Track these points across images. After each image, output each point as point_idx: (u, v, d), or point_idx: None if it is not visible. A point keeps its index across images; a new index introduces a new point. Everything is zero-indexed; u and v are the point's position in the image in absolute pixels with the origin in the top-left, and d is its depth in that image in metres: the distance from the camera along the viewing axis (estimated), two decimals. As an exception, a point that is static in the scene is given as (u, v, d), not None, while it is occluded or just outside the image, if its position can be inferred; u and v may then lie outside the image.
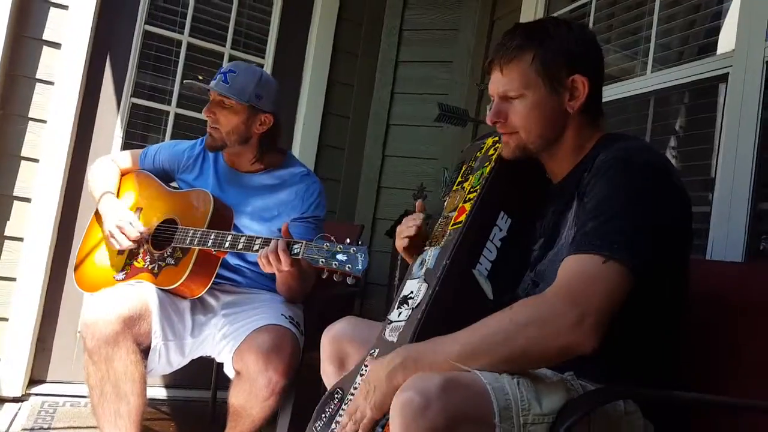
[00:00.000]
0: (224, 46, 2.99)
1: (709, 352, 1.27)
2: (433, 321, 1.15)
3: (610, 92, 2.13)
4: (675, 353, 1.16)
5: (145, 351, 1.68)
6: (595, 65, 1.22)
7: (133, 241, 1.82)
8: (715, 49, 1.94)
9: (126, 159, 2.09)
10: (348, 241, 1.52)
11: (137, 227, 1.83)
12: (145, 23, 2.80)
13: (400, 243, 1.39)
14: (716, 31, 1.97)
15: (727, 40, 1.91)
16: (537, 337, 0.95)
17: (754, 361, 1.21)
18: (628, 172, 1.06)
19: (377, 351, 1.23)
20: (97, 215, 1.97)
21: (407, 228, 1.37)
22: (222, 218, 1.82)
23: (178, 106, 2.90)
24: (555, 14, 2.57)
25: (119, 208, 1.89)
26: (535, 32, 1.20)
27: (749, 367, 1.22)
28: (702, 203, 1.79)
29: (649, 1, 2.18)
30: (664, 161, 1.14)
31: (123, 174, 2.06)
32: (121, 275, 1.84)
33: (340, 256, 1.50)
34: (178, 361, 1.76)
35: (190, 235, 1.76)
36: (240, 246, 1.68)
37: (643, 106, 2.14)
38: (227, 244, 1.69)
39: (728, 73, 1.76)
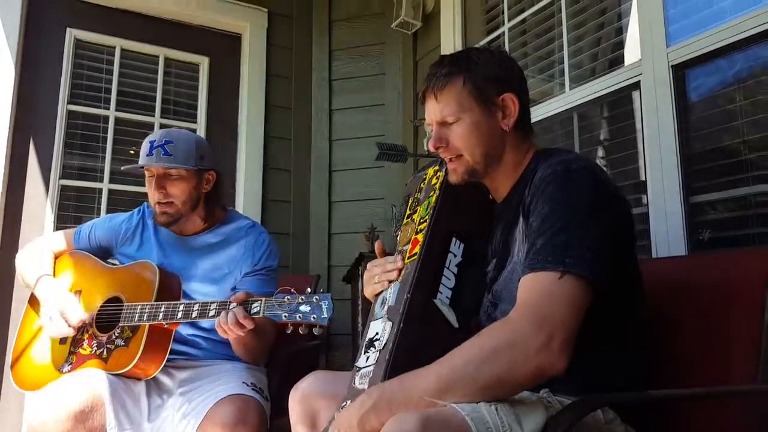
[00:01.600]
0: (153, 116, 2.96)
1: (669, 346, 1.29)
2: (402, 359, 1.12)
3: (536, 113, 2.23)
4: (641, 354, 1.17)
5: (100, 445, 1.56)
6: (521, 84, 1.27)
7: (76, 326, 1.72)
8: (623, 62, 2.06)
9: (59, 241, 1.98)
10: (309, 290, 1.49)
11: (78, 312, 1.73)
12: (68, 103, 2.75)
13: (373, 289, 1.33)
14: (621, 45, 2.10)
15: (631, 51, 2.03)
16: (508, 364, 0.94)
17: (711, 347, 1.25)
18: (567, 184, 1.09)
19: (348, 403, 1.19)
20: (33, 304, 1.86)
21: (387, 273, 1.30)
22: (170, 288, 1.74)
23: (111, 181, 2.82)
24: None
25: (59, 290, 1.79)
26: (462, 59, 1.25)
27: (707, 354, 1.25)
28: (638, 205, 1.86)
29: (556, 26, 2.31)
30: (599, 170, 1.18)
31: (56, 256, 1.95)
32: (66, 367, 1.71)
33: (303, 308, 1.46)
34: (137, 452, 1.65)
35: (138, 311, 1.68)
36: (194, 314, 1.61)
37: (568, 123, 2.24)
38: (180, 315, 1.62)
39: (639, 80, 1.88)
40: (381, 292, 1.31)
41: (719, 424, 1.19)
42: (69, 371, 1.70)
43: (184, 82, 3.08)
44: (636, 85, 1.91)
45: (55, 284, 1.83)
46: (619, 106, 2.05)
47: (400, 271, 1.28)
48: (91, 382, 1.59)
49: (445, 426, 0.90)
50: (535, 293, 1.00)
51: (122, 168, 1.87)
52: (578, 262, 0.99)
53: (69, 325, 1.71)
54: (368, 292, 1.36)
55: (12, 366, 1.82)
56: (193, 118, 3.06)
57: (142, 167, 1.84)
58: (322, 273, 3.03)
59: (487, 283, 1.26)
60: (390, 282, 1.28)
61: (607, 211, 1.08)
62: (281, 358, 1.96)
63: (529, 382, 0.96)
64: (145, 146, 1.83)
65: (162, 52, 3.02)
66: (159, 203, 1.83)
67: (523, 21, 2.50)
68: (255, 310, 1.52)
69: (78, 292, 1.83)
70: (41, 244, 1.97)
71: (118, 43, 2.92)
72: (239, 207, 2.99)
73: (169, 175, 1.82)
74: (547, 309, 0.97)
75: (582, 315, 0.98)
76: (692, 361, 1.27)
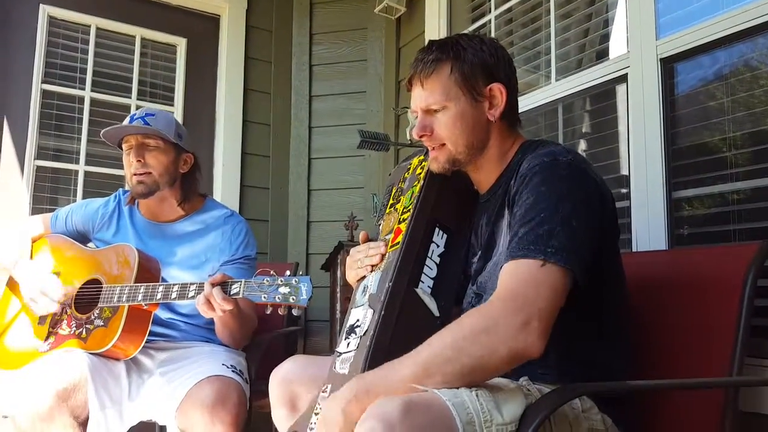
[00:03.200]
0: (130, 97, 2.90)
1: (648, 337, 1.31)
2: (383, 346, 1.13)
3: (521, 103, 2.20)
4: (621, 345, 1.19)
5: (83, 424, 1.55)
6: (509, 74, 1.26)
7: (56, 303, 1.71)
8: (607, 55, 2.07)
9: (36, 224, 1.97)
10: (288, 273, 1.49)
11: (59, 287, 1.72)
12: (42, 82, 2.68)
13: (355, 274, 1.33)
14: (608, 37, 2.10)
15: (617, 44, 2.03)
16: (486, 346, 0.94)
17: (689, 339, 1.27)
18: (553, 175, 1.09)
19: (329, 387, 1.19)
20: (11, 286, 1.83)
21: (369, 258, 1.29)
22: (149, 271, 1.73)
23: (87, 163, 2.77)
24: (458, 35, 2.67)
25: (37, 272, 1.77)
26: (450, 46, 1.23)
27: (684, 346, 1.28)
28: (620, 199, 1.87)
29: (544, 15, 2.31)
30: (585, 163, 1.18)
31: (34, 240, 1.93)
32: (45, 346, 1.71)
33: (282, 289, 1.47)
34: (118, 429, 1.64)
35: (117, 292, 1.67)
36: (174, 296, 1.61)
37: (552, 114, 2.24)
38: (159, 296, 1.62)
39: (627, 73, 1.88)
40: (362, 279, 1.31)
41: (694, 414, 1.22)
42: (48, 350, 1.69)
43: (161, 63, 3.02)
44: (623, 78, 1.90)
45: (33, 266, 1.82)
46: (605, 99, 2.05)
47: (383, 256, 1.28)
48: (72, 361, 1.59)
49: (427, 410, 0.90)
50: (515, 279, 1.01)
51: (101, 133, 1.84)
52: (560, 252, 1.00)
53: (50, 304, 1.71)
54: (350, 276, 1.36)
55: None
56: (170, 100, 3.01)
57: (120, 142, 1.86)
58: (301, 261, 3.02)
59: (471, 274, 1.26)
60: (372, 267, 1.28)
61: (591, 204, 1.09)
62: (260, 343, 1.96)
63: (506, 364, 0.97)
64: (125, 121, 1.85)
65: (138, 32, 2.95)
66: (136, 174, 1.82)
67: (510, 9, 2.49)
68: (235, 291, 1.53)
69: (57, 274, 1.81)
70: (18, 229, 1.95)
71: (94, 21, 2.84)
72: (217, 192, 2.95)
73: (148, 145, 1.83)
74: (526, 294, 0.97)
75: (561, 303, 0.99)
76: (670, 352, 1.29)
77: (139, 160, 1.81)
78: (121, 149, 1.89)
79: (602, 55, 2.10)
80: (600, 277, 1.11)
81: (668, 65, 1.78)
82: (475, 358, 0.95)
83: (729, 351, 1.18)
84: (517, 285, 1.00)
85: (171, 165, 1.86)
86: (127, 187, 1.93)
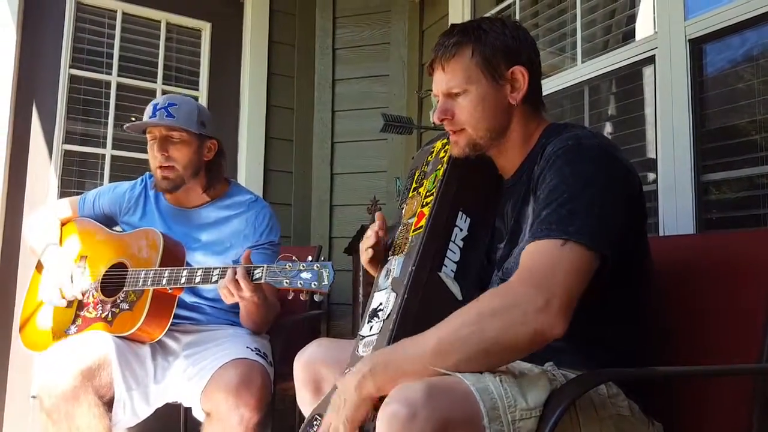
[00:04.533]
0: (155, 82, 2.92)
1: (675, 323, 1.29)
2: (406, 329, 1.12)
3: (545, 86, 2.17)
4: (647, 330, 1.17)
5: (108, 403, 1.59)
6: (532, 57, 1.24)
7: (82, 290, 1.75)
8: (634, 36, 2.02)
9: (64, 207, 2.00)
10: (310, 258, 1.50)
11: (85, 275, 1.75)
12: (69, 67, 2.71)
13: (366, 256, 1.36)
14: (634, 18, 2.05)
15: (644, 25, 1.98)
16: (506, 325, 0.93)
17: (714, 326, 1.25)
18: (578, 158, 1.07)
19: (351, 370, 1.19)
20: (40, 269, 1.88)
21: (366, 239, 1.34)
22: (174, 255, 1.75)
23: (114, 147, 2.80)
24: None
25: (66, 257, 1.81)
26: (472, 29, 1.22)
27: (713, 332, 1.25)
28: (647, 183, 1.84)
29: (569, -4, 2.26)
30: (611, 146, 1.15)
31: (63, 223, 1.97)
32: (73, 329, 1.75)
33: (304, 275, 1.47)
34: (144, 411, 1.67)
35: (142, 276, 1.69)
36: (197, 280, 1.62)
37: (578, 97, 2.21)
38: (183, 280, 1.63)
39: (654, 55, 1.83)
40: (385, 263, 1.31)
41: (723, 401, 1.20)
42: (75, 333, 1.73)
43: (186, 48, 3.03)
44: (650, 60, 1.86)
45: (61, 251, 1.85)
46: (632, 81, 2.01)
47: (377, 234, 1.31)
48: (98, 341, 1.62)
49: (450, 393, 0.90)
50: (536, 258, 0.99)
51: (125, 126, 1.87)
52: (582, 231, 0.98)
53: (70, 295, 1.74)
54: (363, 259, 1.38)
55: (21, 329, 1.86)
56: (195, 85, 3.02)
57: (144, 130, 1.86)
58: (324, 244, 3.03)
59: (496, 260, 1.26)
60: (393, 253, 1.29)
61: (617, 186, 1.07)
62: (284, 326, 1.98)
63: (527, 345, 0.95)
64: (148, 109, 1.85)
65: (164, 17, 2.96)
66: (161, 167, 1.83)
67: (535, -10, 2.45)
68: (257, 276, 1.53)
69: (84, 258, 1.86)
70: (48, 212, 1.99)
71: (120, 6, 2.86)
72: (241, 177, 2.97)
73: (171, 138, 1.83)
74: (547, 273, 0.96)
75: (584, 284, 0.97)
76: (698, 338, 1.27)
77: (163, 154, 1.81)
78: (146, 136, 1.90)
79: (629, 36, 2.06)
80: (627, 261, 1.09)
81: (697, 46, 1.74)
82: (494, 337, 0.93)
83: (759, 337, 1.15)
84: (538, 264, 0.98)
85: (194, 155, 1.86)
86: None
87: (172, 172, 1.83)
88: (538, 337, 0.93)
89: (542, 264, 0.98)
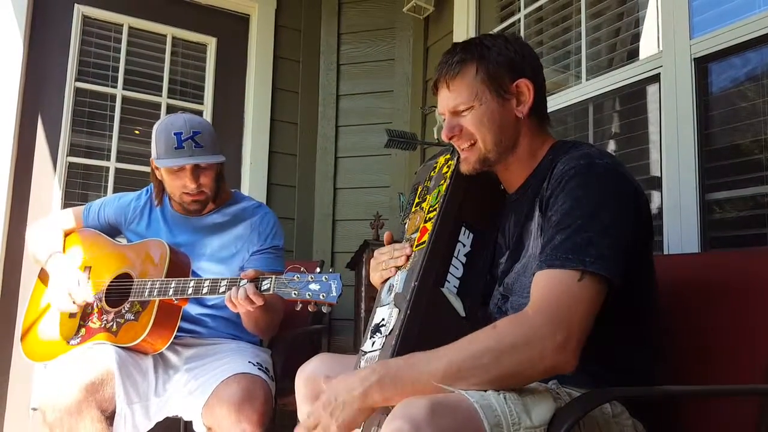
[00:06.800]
0: (161, 96, 2.94)
1: (680, 342, 1.28)
2: (409, 345, 1.11)
3: (550, 104, 2.17)
4: (651, 348, 1.16)
5: (110, 417, 1.58)
6: (536, 70, 1.24)
7: (86, 300, 1.74)
8: (638, 55, 2.03)
9: (68, 218, 2.00)
10: (318, 270, 1.50)
11: (89, 285, 1.74)
12: (75, 80, 2.73)
13: (380, 276, 1.31)
14: (639, 37, 2.06)
15: (649, 44, 1.99)
16: (524, 360, 0.94)
17: (719, 345, 1.23)
18: (590, 181, 1.07)
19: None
20: (43, 279, 1.87)
21: (394, 259, 1.28)
22: (180, 266, 1.76)
23: (118, 160, 2.81)
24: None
25: (69, 267, 1.81)
26: (474, 46, 1.23)
27: (718, 351, 1.24)
28: (652, 201, 1.83)
29: (574, 14, 2.27)
30: (621, 166, 1.15)
31: (66, 234, 1.97)
32: (76, 340, 1.74)
33: (312, 286, 1.48)
34: (144, 425, 1.66)
35: (148, 286, 1.69)
36: (205, 290, 1.62)
37: (582, 114, 2.21)
38: (190, 291, 1.63)
39: (659, 73, 1.84)
40: (388, 278, 1.30)
41: (729, 422, 1.18)
42: (78, 344, 1.72)
43: (192, 62, 3.06)
44: (655, 78, 1.87)
45: (65, 260, 1.85)
46: (636, 99, 2.02)
47: (408, 257, 1.26)
48: (100, 355, 1.62)
49: (454, 411, 0.89)
50: (555, 292, 0.99)
51: (156, 162, 1.82)
52: (598, 261, 0.98)
53: (79, 300, 1.73)
54: (375, 278, 1.35)
55: (22, 338, 1.85)
56: (199, 99, 3.04)
57: (182, 166, 1.79)
58: (326, 259, 3.03)
59: (497, 274, 1.25)
60: (397, 268, 1.27)
61: (629, 209, 1.07)
62: (285, 340, 1.97)
63: (539, 377, 0.97)
64: (170, 138, 1.78)
65: (170, 32, 2.99)
66: (190, 194, 1.83)
67: (540, 8, 2.46)
68: (265, 287, 1.54)
69: (88, 269, 1.85)
70: (51, 221, 1.99)
71: (126, 20, 2.89)
72: (244, 190, 2.97)
73: (200, 165, 1.82)
74: (565, 310, 0.96)
75: (596, 313, 0.98)
76: (703, 357, 1.26)
77: (196, 183, 1.81)
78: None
79: (633, 54, 2.07)
80: (633, 281, 1.08)
81: (702, 65, 1.74)
82: (511, 370, 0.94)
83: (766, 356, 1.14)
84: (557, 300, 0.98)
85: (218, 176, 1.89)
86: (171, 199, 1.93)
87: (203, 195, 1.85)
88: (550, 372, 0.95)
89: (560, 299, 0.97)
